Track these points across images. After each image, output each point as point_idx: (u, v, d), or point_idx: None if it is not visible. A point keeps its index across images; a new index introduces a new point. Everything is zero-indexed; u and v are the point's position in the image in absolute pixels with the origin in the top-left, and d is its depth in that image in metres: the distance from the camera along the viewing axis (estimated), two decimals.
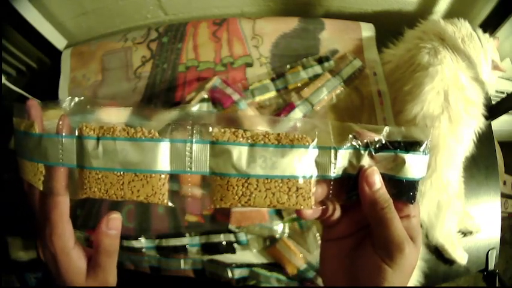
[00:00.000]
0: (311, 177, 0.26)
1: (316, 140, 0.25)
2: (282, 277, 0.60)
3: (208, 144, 0.25)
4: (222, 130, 0.25)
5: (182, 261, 0.62)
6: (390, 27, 0.75)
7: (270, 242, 0.60)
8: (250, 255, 0.61)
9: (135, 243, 0.62)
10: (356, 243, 0.29)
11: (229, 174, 0.25)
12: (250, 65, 0.72)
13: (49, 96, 0.75)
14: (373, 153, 0.27)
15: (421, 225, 0.63)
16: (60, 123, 0.26)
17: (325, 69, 0.69)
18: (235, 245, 0.61)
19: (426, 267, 0.62)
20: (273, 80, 0.69)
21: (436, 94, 0.61)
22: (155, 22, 0.85)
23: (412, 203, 0.27)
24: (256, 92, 0.67)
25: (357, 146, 0.27)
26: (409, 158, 0.26)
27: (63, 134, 0.26)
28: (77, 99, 0.28)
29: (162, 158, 0.25)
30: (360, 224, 0.29)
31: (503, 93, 0.85)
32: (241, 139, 0.25)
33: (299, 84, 0.68)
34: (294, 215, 0.60)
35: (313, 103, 0.66)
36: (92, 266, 0.28)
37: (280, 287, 0.60)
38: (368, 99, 0.67)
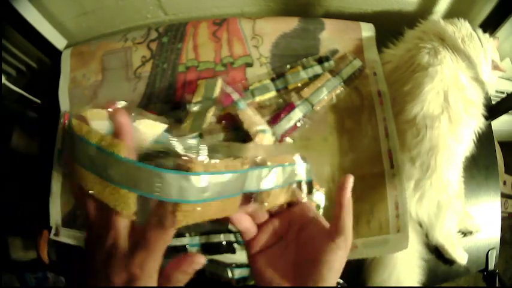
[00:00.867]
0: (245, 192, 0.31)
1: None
2: None
3: None
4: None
5: None
6: (390, 27, 0.75)
7: None
8: None
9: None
10: (281, 250, 0.35)
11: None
12: (250, 65, 0.72)
13: (49, 96, 0.75)
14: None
15: (421, 225, 0.63)
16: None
17: (325, 69, 0.69)
18: (235, 245, 0.61)
19: (426, 267, 0.62)
20: (273, 80, 0.69)
21: (436, 94, 0.61)
22: (155, 22, 0.85)
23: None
24: (256, 92, 0.67)
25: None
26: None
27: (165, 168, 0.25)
28: (123, 103, 0.28)
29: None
30: (276, 234, 0.36)
31: (503, 93, 0.85)
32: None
33: (299, 84, 0.68)
34: None
35: (313, 103, 0.66)
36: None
37: (280, 287, 0.60)
38: (368, 99, 0.67)
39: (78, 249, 0.65)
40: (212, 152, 0.27)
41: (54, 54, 0.80)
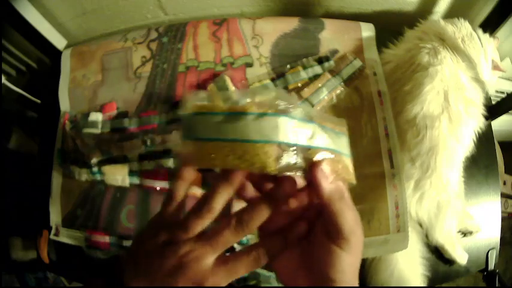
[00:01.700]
0: (280, 143, 0.27)
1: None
2: None
3: None
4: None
5: None
6: (390, 27, 0.75)
7: None
8: None
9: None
10: (299, 249, 0.30)
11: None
12: (250, 65, 0.72)
13: (49, 96, 0.75)
14: None
15: (421, 225, 0.63)
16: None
17: (325, 69, 0.69)
18: (235, 245, 0.61)
19: (427, 264, 0.62)
20: (273, 80, 0.69)
21: (436, 94, 0.61)
22: (155, 22, 0.85)
23: None
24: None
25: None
26: None
27: None
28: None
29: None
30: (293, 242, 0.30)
31: (503, 93, 0.85)
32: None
33: (299, 84, 0.68)
34: None
35: (313, 103, 0.66)
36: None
37: (280, 287, 0.60)
38: (368, 99, 0.67)
39: (78, 249, 0.65)
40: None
41: (54, 54, 0.80)
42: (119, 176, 0.65)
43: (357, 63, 0.69)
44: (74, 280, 0.82)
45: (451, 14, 0.78)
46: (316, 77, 0.69)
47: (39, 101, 0.83)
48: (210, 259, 0.28)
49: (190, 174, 0.30)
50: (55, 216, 0.67)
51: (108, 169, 0.66)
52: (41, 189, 0.69)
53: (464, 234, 0.65)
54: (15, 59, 0.84)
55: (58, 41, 0.81)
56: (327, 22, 0.75)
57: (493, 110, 0.68)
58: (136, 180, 0.66)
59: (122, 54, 0.75)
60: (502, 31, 0.76)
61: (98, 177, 0.66)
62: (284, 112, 0.27)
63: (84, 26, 0.83)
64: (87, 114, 0.70)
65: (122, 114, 0.70)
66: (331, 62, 0.70)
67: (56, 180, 0.69)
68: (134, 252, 0.29)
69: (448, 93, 0.61)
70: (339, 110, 0.67)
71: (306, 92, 0.67)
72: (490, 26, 0.73)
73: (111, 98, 0.72)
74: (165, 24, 0.79)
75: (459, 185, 0.64)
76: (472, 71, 0.64)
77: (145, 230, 0.29)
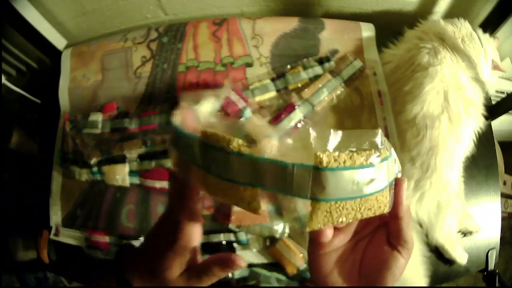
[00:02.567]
0: (386, 186, 0.28)
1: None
2: (282, 277, 0.60)
3: (311, 169, 0.25)
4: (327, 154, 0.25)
5: None
6: (390, 27, 0.75)
7: (270, 242, 0.60)
8: (250, 255, 0.61)
9: (135, 243, 0.62)
10: (350, 250, 0.33)
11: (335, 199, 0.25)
12: (250, 65, 0.72)
13: (49, 96, 0.75)
14: None
15: (421, 225, 0.63)
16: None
17: (325, 69, 0.69)
18: (235, 245, 0.61)
19: (427, 264, 0.62)
20: (273, 80, 0.69)
21: (436, 94, 0.61)
22: (155, 22, 0.85)
23: None
24: (256, 91, 0.67)
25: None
26: None
27: None
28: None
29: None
30: (349, 236, 0.33)
31: (503, 93, 0.85)
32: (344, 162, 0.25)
33: (299, 85, 0.68)
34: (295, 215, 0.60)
35: (313, 104, 0.66)
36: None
37: (280, 287, 0.60)
38: (368, 99, 0.67)
39: (78, 249, 0.65)
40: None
41: (54, 54, 0.80)
42: (118, 176, 0.65)
43: (357, 63, 0.69)
44: (74, 280, 0.82)
45: (451, 14, 0.78)
46: (316, 77, 0.69)
47: (39, 101, 0.83)
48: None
49: (198, 208, 0.31)
50: (55, 216, 0.67)
51: (108, 169, 0.66)
52: (41, 189, 0.69)
53: (464, 234, 0.65)
54: (15, 59, 0.84)
55: (58, 41, 0.81)
56: (327, 22, 0.75)
57: (493, 110, 0.68)
58: (136, 180, 0.66)
59: (121, 54, 0.75)
60: (502, 31, 0.76)
61: (98, 177, 0.66)
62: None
63: (84, 26, 0.83)
64: (87, 114, 0.70)
65: (122, 114, 0.70)
66: (332, 63, 0.70)
67: (56, 180, 0.69)
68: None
69: (448, 93, 0.61)
70: (339, 110, 0.68)
71: (306, 92, 0.67)
72: (490, 26, 0.73)
73: (111, 98, 0.72)
74: (165, 24, 0.79)
75: (459, 185, 0.64)
76: (472, 71, 0.64)
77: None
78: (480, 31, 0.67)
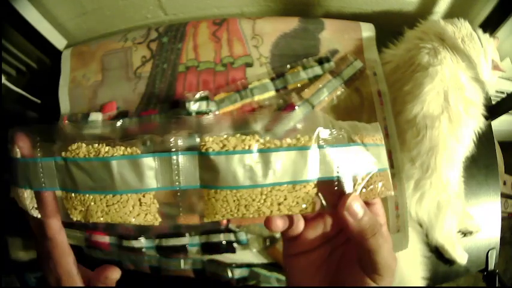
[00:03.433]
0: (320, 179, 0.24)
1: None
2: (282, 277, 0.60)
3: (196, 155, 0.23)
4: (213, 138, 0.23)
5: (182, 261, 0.62)
6: (390, 27, 0.75)
7: (270, 242, 0.60)
8: (250, 255, 0.61)
9: (135, 243, 0.62)
10: (325, 255, 0.29)
11: (229, 187, 0.23)
12: (250, 65, 0.72)
13: (49, 96, 0.75)
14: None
15: (421, 225, 0.63)
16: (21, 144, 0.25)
17: (325, 70, 0.69)
18: (235, 245, 0.61)
19: (427, 264, 0.62)
20: (272, 79, 0.69)
21: (436, 94, 0.61)
22: (155, 22, 0.85)
23: None
24: (256, 91, 0.67)
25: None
26: None
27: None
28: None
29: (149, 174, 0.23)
30: (325, 235, 0.29)
31: (503, 93, 0.85)
32: (243, 146, 0.23)
33: (299, 85, 0.68)
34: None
35: (313, 104, 0.66)
36: None
37: (280, 287, 0.60)
38: (368, 99, 0.67)
39: (78, 249, 0.65)
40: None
41: (54, 54, 0.80)
42: None
43: (358, 64, 0.69)
44: None
45: (451, 14, 0.78)
46: (316, 77, 0.69)
47: (39, 101, 0.83)
48: None
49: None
50: None
51: None
52: None
53: (464, 234, 0.65)
54: (15, 59, 0.84)
55: (58, 41, 0.81)
56: (327, 22, 0.75)
57: (493, 110, 0.68)
58: None
59: (121, 54, 0.75)
60: (502, 31, 0.76)
61: None
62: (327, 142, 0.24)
63: (84, 26, 0.83)
64: (87, 114, 0.70)
65: (122, 114, 0.70)
66: (331, 63, 0.70)
67: None
68: None
69: (448, 93, 0.61)
70: (339, 110, 0.68)
71: (306, 92, 0.67)
72: (490, 26, 0.73)
73: (111, 97, 0.72)
74: (165, 24, 0.79)
75: (459, 185, 0.64)
76: (472, 71, 0.64)
77: None
78: (480, 31, 0.67)
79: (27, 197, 0.25)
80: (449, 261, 0.63)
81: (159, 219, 0.24)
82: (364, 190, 0.26)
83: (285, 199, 0.23)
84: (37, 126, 0.25)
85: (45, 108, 0.79)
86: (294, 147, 0.23)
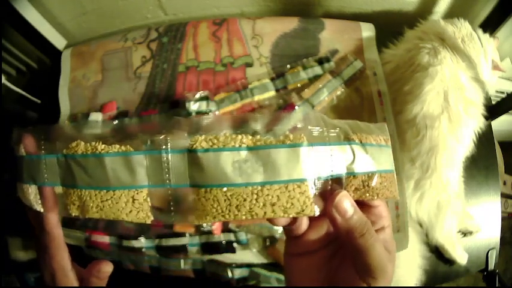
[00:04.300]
0: (315, 179, 0.24)
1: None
2: (282, 277, 0.60)
3: (186, 153, 0.23)
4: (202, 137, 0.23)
5: (182, 261, 0.62)
6: (390, 27, 0.75)
7: (270, 242, 0.60)
8: (250, 255, 0.61)
9: (135, 243, 0.62)
10: (327, 258, 0.28)
11: (218, 185, 0.23)
12: (250, 65, 0.72)
13: (49, 96, 0.75)
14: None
15: (421, 225, 0.63)
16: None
17: (325, 70, 0.69)
18: (235, 245, 0.61)
19: (427, 264, 0.62)
20: (272, 79, 0.69)
21: (436, 94, 0.61)
22: (155, 22, 0.85)
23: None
24: (256, 91, 0.67)
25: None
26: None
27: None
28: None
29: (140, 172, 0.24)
30: (330, 236, 0.28)
31: (503, 93, 0.85)
32: (232, 143, 0.23)
33: (299, 85, 0.68)
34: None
35: (313, 104, 0.66)
36: None
37: (280, 287, 0.60)
38: (368, 99, 0.67)
39: (78, 249, 0.65)
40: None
41: (54, 54, 0.80)
42: None
43: (358, 64, 0.69)
44: None
45: (451, 14, 0.78)
46: (316, 77, 0.69)
47: (39, 101, 0.83)
48: None
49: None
50: None
51: None
52: None
53: (464, 234, 0.65)
54: (15, 59, 0.84)
55: (58, 41, 0.81)
56: (327, 22, 0.75)
57: (493, 110, 0.68)
58: None
59: (122, 54, 0.75)
60: (502, 31, 0.76)
61: None
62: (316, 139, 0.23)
63: (84, 26, 0.83)
64: (87, 114, 0.70)
65: (122, 114, 0.70)
66: (332, 63, 0.70)
67: None
68: None
69: (448, 94, 0.61)
70: (339, 110, 0.68)
71: (306, 92, 0.67)
72: (490, 26, 0.73)
73: (111, 97, 0.72)
74: (165, 24, 0.79)
75: (459, 185, 0.64)
76: (472, 71, 0.64)
77: None
78: (480, 31, 0.67)
79: (32, 192, 0.26)
80: (449, 261, 0.63)
81: (151, 217, 0.25)
82: (359, 190, 0.25)
83: (278, 199, 0.23)
84: (40, 127, 0.26)
85: (45, 108, 0.79)
86: (283, 144, 0.23)
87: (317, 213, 0.24)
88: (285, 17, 0.77)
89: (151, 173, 0.24)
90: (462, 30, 0.65)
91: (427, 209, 0.61)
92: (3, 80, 0.78)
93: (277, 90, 0.68)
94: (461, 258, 0.62)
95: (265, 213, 0.23)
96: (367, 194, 0.26)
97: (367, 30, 0.73)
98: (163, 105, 0.69)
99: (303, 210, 0.23)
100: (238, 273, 0.60)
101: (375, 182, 0.26)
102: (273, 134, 0.23)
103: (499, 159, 0.79)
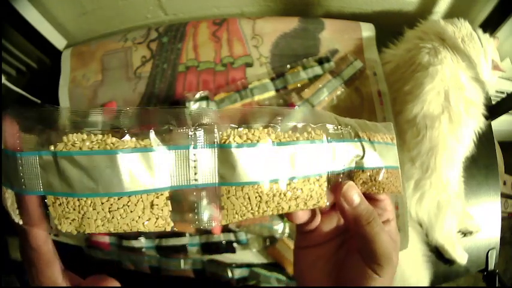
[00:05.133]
0: (330, 172, 0.25)
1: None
2: (282, 277, 0.60)
3: (216, 149, 0.21)
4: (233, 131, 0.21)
5: (182, 261, 0.62)
6: (390, 27, 0.75)
7: (270, 242, 0.60)
8: (250, 255, 0.61)
9: (135, 243, 0.62)
10: (335, 248, 0.29)
11: (251, 182, 0.21)
12: (250, 65, 0.72)
13: (49, 96, 0.75)
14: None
15: (421, 225, 0.63)
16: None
17: (325, 70, 0.69)
18: (235, 245, 0.61)
19: (429, 262, 0.62)
20: (272, 79, 0.69)
21: (436, 94, 0.61)
22: (155, 22, 0.85)
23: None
24: (256, 91, 0.67)
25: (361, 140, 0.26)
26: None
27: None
28: None
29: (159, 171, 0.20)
30: (338, 229, 0.30)
31: (503, 93, 0.85)
32: (264, 138, 0.22)
33: (298, 85, 0.68)
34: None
35: (313, 104, 0.66)
36: None
37: (280, 287, 0.60)
38: (368, 99, 0.67)
39: (78, 249, 0.65)
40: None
41: (54, 54, 0.80)
42: None
43: (358, 64, 0.69)
44: None
45: (451, 14, 0.78)
46: (316, 77, 0.69)
47: (39, 101, 0.83)
48: None
49: None
50: None
51: None
52: None
53: (464, 234, 0.65)
54: (15, 59, 0.84)
55: (58, 41, 0.81)
56: (327, 22, 0.75)
57: (493, 110, 0.68)
58: None
59: (122, 54, 0.75)
60: (502, 31, 0.76)
61: None
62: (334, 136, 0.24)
63: (84, 26, 0.83)
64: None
65: None
66: (332, 63, 0.70)
67: None
68: None
69: (448, 93, 0.61)
70: (339, 110, 0.67)
71: (306, 92, 0.67)
72: (490, 26, 0.73)
73: (111, 97, 0.72)
74: (165, 24, 0.79)
75: (459, 185, 0.64)
76: (472, 71, 0.64)
77: None
78: (480, 31, 0.67)
79: (8, 197, 0.21)
80: (449, 261, 0.63)
81: (171, 224, 0.21)
82: (366, 183, 0.27)
83: (301, 192, 0.23)
84: (18, 109, 0.20)
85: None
86: (308, 140, 0.23)
87: (328, 204, 0.25)
88: (285, 17, 0.77)
89: (176, 172, 0.20)
90: (462, 30, 0.65)
91: (427, 209, 0.61)
92: (3, 80, 0.78)
93: (277, 90, 0.68)
94: (461, 258, 0.62)
95: (289, 207, 0.23)
96: (374, 188, 0.27)
97: (367, 30, 0.73)
98: (164, 105, 0.69)
99: (318, 202, 0.24)
100: (238, 273, 0.60)
101: (381, 176, 0.27)
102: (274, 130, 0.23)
103: (499, 159, 0.79)
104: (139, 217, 0.20)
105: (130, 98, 0.71)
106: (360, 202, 0.26)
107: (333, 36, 0.73)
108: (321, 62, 0.70)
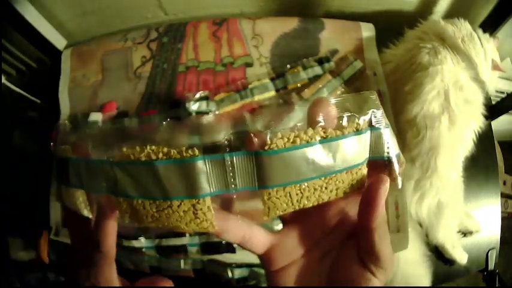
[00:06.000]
0: (369, 159, 0.24)
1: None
2: None
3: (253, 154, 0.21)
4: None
5: (182, 261, 0.62)
6: (390, 27, 0.75)
7: None
8: (250, 255, 0.61)
9: (135, 243, 0.62)
10: (318, 258, 0.28)
11: (293, 182, 0.22)
12: (250, 65, 0.72)
13: (49, 96, 0.75)
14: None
15: (421, 225, 0.63)
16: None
17: (325, 70, 0.69)
18: (235, 245, 0.61)
19: (428, 263, 0.62)
20: (272, 79, 0.69)
21: (436, 94, 0.61)
22: (155, 22, 0.85)
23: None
24: (256, 91, 0.67)
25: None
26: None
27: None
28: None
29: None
30: (311, 239, 0.28)
31: (503, 93, 0.85)
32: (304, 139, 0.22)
33: (298, 85, 0.68)
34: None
35: None
36: None
37: (280, 287, 0.60)
38: None
39: (78, 250, 0.65)
40: None
41: (54, 54, 0.80)
42: None
43: (358, 64, 0.69)
44: None
45: (451, 14, 0.78)
46: (316, 77, 0.69)
47: (39, 101, 0.83)
48: None
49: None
50: (55, 216, 0.67)
51: None
52: (41, 189, 0.69)
53: (464, 234, 0.65)
54: (15, 59, 0.84)
55: (58, 41, 0.81)
56: (327, 22, 0.75)
57: (493, 110, 0.68)
58: None
59: (121, 54, 0.75)
60: (502, 31, 0.76)
61: None
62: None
63: (84, 26, 0.83)
64: (87, 114, 0.70)
65: (122, 114, 0.70)
66: (332, 63, 0.70)
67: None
68: None
69: (448, 93, 0.61)
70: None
71: (306, 92, 0.67)
72: (490, 26, 0.73)
73: (111, 97, 0.72)
74: (165, 24, 0.79)
75: (459, 185, 0.64)
76: (472, 71, 0.64)
77: None
78: (480, 31, 0.67)
79: (79, 197, 0.25)
80: (449, 261, 0.63)
81: (217, 226, 0.23)
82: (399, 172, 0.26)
83: (342, 183, 0.23)
84: (89, 128, 0.24)
85: (45, 108, 0.79)
86: (352, 133, 0.23)
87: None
88: (285, 17, 0.77)
89: (214, 179, 0.21)
90: (462, 30, 0.65)
91: (427, 209, 0.61)
92: (3, 80, 0.78)
93: (277, 90, 0.68)
94: (461, 258, 0.62)
95: (329, 197, 0.23)
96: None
97: (367, 30, 0.73)
98: (163, 106, 0.69)
99: (353, 186, 0.24)
100: (238, 273, 0.60)
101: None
102: (273, 131, 0.22)
103: (499, 159, 0.79)
104: (181, 218, 0.22)
105: (131, 98, 0.71)
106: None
107: (333, 36, 0.73)
108: (321, 62, 0.70)
